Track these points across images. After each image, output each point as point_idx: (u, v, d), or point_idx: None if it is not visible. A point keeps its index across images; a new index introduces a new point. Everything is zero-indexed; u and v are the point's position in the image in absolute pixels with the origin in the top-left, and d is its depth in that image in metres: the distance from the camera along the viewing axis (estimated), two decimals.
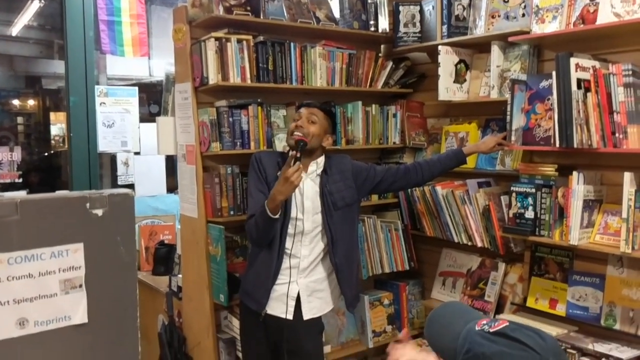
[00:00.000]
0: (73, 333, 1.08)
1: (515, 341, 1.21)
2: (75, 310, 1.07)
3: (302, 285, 2.38)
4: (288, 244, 2.36)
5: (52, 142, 5.63)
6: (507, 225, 2.59)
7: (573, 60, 2.22)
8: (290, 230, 2.36)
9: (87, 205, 1.07)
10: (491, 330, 1.26)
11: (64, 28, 4.31)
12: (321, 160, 2.45)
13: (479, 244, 2.81)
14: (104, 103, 4.62)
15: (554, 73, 2.29)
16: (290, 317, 2.35)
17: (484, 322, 1.30)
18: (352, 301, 2.51)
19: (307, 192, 2.38)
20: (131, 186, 4.77)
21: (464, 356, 1.25)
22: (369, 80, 3.19)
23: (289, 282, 2.36)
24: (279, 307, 2.36)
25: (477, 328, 1.28)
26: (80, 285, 1.07)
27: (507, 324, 1.27)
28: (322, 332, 2.51)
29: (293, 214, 2.35)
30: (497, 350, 1.21)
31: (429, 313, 3.25)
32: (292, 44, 2.86)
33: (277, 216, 2.24)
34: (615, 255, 2.31)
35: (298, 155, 2.22)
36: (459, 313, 1.43)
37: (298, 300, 2.36)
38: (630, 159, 2.27)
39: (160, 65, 5.10)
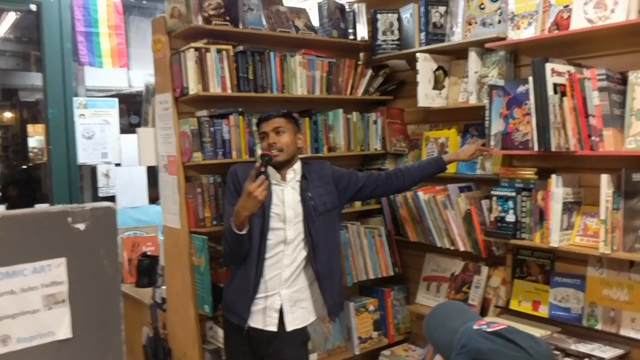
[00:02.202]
0: (57, 349, 1.07)
1: (511, 342, 1.25)
2: (58, 325, 1.06)
3: (285, 296, 2.34)
4: (269, 255, 2.32)
5: (31, 154, 5.56)
6: (489, 229, 2.62)
7: (549, 66, 2.26)
8: (273, 240, 2.32)
9: (69, 219, 1.07)
10: (489, 330, 1.30)
11: (41, 40, 4.28)
12: (297, 166, 2.43)
13: (462, 248, 2.84)
14: (83, 115, 4.58)
15: (530, 78, 2.33)
16: (274, 329, 2.32)
17: (483, 322, 1.36)
18: (333, 309, 2.47)
19: (287, 200, 2.36)
20: (112, 198, 4.73)
21: (459, 350, 1.30)
22: (349, 88, 3.21)
23: (272, 295, 2.32)
24: (261, 319, 2.33)
25: (475, 327, 1.34)
26: (64, 300, 1.07)
27: (506, 326, 1.32)
28: (307, 342, 2.49)
29: (275, 224, 2.33)
30: (493, 348, 1.25)
31: (414, 317, 3.29)
32: (271, 53, 2.87)
33: (244, 232, 2.20)
34: (594, 256, 2.34)
35: (263, 169, 2.17)
36: (460, 311, 1.50)
37: (281, 311, 2.34)
38: (606, 161, 2.31)
39: (139, 76, 5.07)
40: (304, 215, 2.35)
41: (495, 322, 1.33)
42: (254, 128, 2.85)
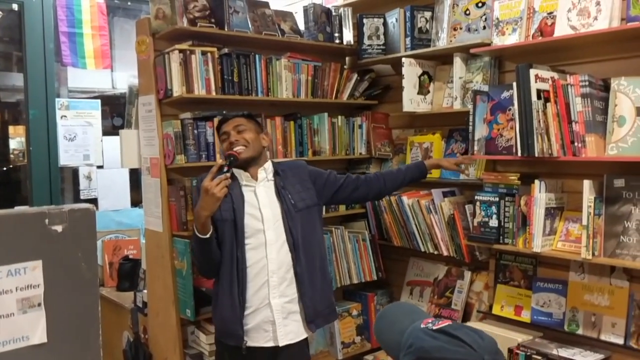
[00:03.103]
0: (32, 353, 1.04)
1: (454, 338, 1.27)
2: (33, 329, 1.04)
3: (277, 306, 2.18)
4: (251, 262, 2.18)
5: (11, 156, 5.48)
6: (472, 234, 2.62)
7: (533, 72, 2.28)
8: (253, 244, 2.19)
9: (46, 221, 1.04)
10: (434, 328, 1.32)
11: (23, 40, 4.22)
12: (268, 165, 2.32)
13: (445, 253, 2.84)
14: (65, 116, 4.52)
15: (514, 84, 2.34)
16: (272, 343, 2.18)
17: (429, 320, 1.37)
18: (313, 318, 2.26)
19: (262, 200, 2.24)
20: (94, 200, 4.67)
21: (406, 350, 1.32)
22: (334, 92, 3.21)
23: (263, 306, 2.18)
24: (259, 336, 2.19)
25: (422, 326, 1.35)
26: (39, 304, 1.04)
27: (450, 323, 1.34)
28: None
29: (253, 225, 2.20)
30: (437, 345, 1.27)
31: None
32: (257, 56, 2.86)
33: (207, 236, 2.09)
34: (576, 262, 2.36)
35: (226, 169, 2.09)
36: (407, 312, 1.50)
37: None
38: (588, 167, 2.33)
39: (123, 77, 5.02)
40: (283, 213, 2.23)
41: (440, 320, 1.36)
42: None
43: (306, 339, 2.32)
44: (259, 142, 2.30)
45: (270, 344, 2.19)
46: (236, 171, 2.27)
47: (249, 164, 2.26)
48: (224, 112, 2.65)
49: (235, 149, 2.21)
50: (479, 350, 1.24)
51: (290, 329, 2.22)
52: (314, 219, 2.34)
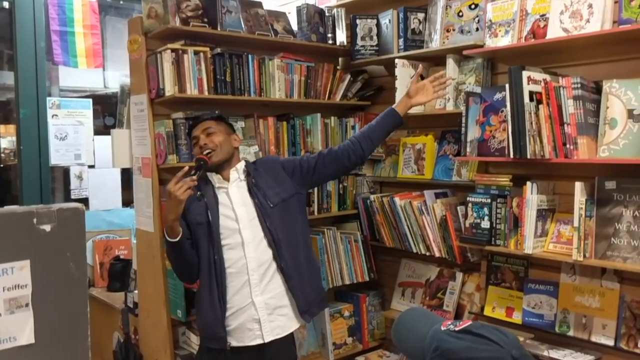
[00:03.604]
0: (19, 354, 1.03)
1: (480, 337, 1.28)
2: (21, 330, 1.03)
3: (260, 303, 2.18)
4: (230, 262, 2.18)
5: (2, 155, 5.44)
6: (464, 235, 2.63)
7: (525, 74, 2.28)
8: (230, 245, 2.19)
9: (34, 220, 1.03)
10: (457, 329, 1.33)
11: (14, 38, 4.19)
12: (240, 165, 2.31)
13: (437, 254, 2.84)
14: (56, 115, 4.49)
15: (507, 86, 2.34)
16: (260, 341, 2.18)
17: (449, 322, 1.39)
18: (306, 308, 2.27)
19: (235, 200, 2.23)
20: (85, 200, 4.64)
21: (432, 354, 1.32)
22: (327, 93, 3.20)
23: (246, 305, 2.18)
24: (245, 336, 2.18)
25: (442, 328, 1.36)
26: (27, 304, 1.03)
27: (471, 322, 1.35)
28: None
29: (229, 225, 2.20)
30: (464, 346, 1.28)
31: (389, 323, 3.28)
32: (250, 56, 2.85)
33: (177, 239, 2.10)
34: (568, 263, 2.37)
35: (193, 171, 2.10)
36: (422, 317, 1.51)
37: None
38: (580, 169, 2.34)
39: (115, 76, 5.00)
40: (258, 211, 2.22)
41: (460, 321, 1.36)
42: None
43: (292, 334, 2.31)
44: (229, 144, 2.29)
45: (257, 341, 2.19)
46: (209, 174, 2.28)
47: (221, 166, 2.26)
48: (194, 114, 2.66)
49: (204, 153, 2.21)
50: (505, 346, 1.25)
51: (276, 324, 2.22)
52: (293, 211, 2.31)
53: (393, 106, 2.48)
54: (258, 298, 2.19)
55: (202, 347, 2.31)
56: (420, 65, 2.65)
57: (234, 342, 2.19)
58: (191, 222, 2.21)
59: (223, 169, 2.27)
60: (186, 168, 2.11)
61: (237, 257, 2.19)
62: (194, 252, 2.20)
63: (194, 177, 2.09)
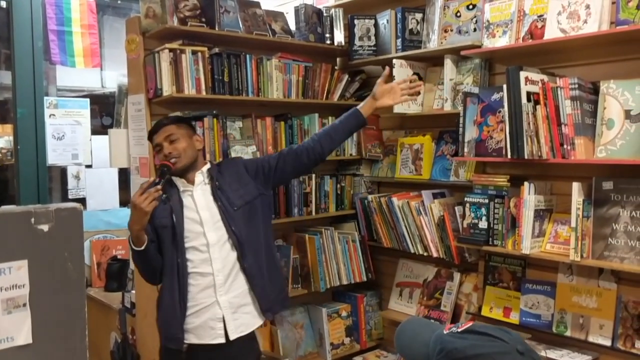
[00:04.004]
0: (17, 354, 1.03)
1: (483, 335, 1.29)
2: (18, 330, 1.02)
3: (225, 303, 2.20)
4: (194, 264, 2.19)
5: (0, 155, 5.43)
6: (462, 236, 2.63)
7: (523, 74, 2.28)
8: (196, 246, 2.20)
9: (32, 220, 1.03)
10: (459, 330, 1.34)
11: (11, 38, 4.18)
12: (205, 168, 2.32)
13: (435, 254, 2.84)
14: (53, 115, 4.48)
15: (504, 86, 2.35)
16: (222, 340, 2.19)
17: (451, 326, 1.39)
18: (269, 306, 2.31)
19: (200, 203, 2.24)
20: (82, 200, 4.64)
21: (437, 356, 1.32)
22: (325, 93, 3.20)
23: (209, 305, 2.19)
24: (206, 334, 2.19)
25: (445, 332, 1.36)
26: (24, 304, 1.03)
27: (474, 323, 1.36)
28: (259, 358, 2.38)
29: (193, 229, 2.21)
30: (469, 344, 1.28)
31: (387, 323, 3.29)
32: (247, 56, 2.85)
33: (142, 248, 2.12)
34: (565, 264, 2.37)
35: (157, 180, 2.10)
36: (424, 324, 1.53)
37: (225, 320, 2.21)
38: (577, 169, 2.34)
39: (113, 76, 5.00)
40: (222, 214, 2.23)
41: (462, 323, 1.38)
42: (229, 131, 2.82)
43: (254, 332, 2.33)
44: (192, 148, 2.28)
45: (218, 340, 2.20)
46: (174, 178, 2.29)
47: (186, 170, 2.26)
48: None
49: (169, 161, 2.21)
50: (510, 342, 1.26)
51: (240, 322, 2.24)
52: (257, 212, 2.33)
53: (358, 106, 2.48)
54: (222, 297, 2.21)
55: (162, 346, 2.32)
56: (387, 67, 2.62)
57: (194, 339, 2.21)
58: (156, 225, 2.22)
59: (188, 173, 2.27)
60: (151, 179, 2.13)
61: (202, 258, 2.21)
62: (158, 256, 2.22)
63: (159, 187, 2.09)
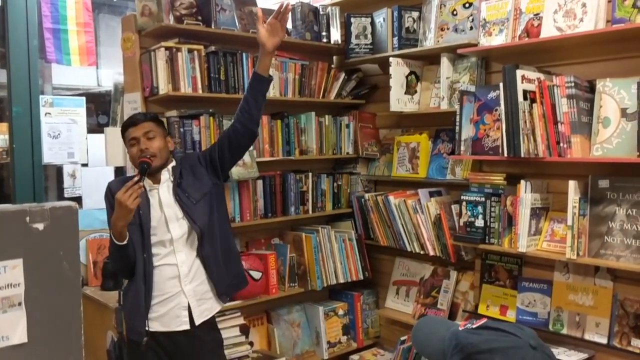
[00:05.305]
0: (12, 354, 1.02)
1: (497, 330, 1.35)
2: (13, 329, 1.02)
3: (190, 291, 2.29)
4: (159, 257, 2.27)
5: None
6: (458, 234, 2.63)
7: (519, 72, 2.29)
8: (161, 241, 2.27)
9: (27, 219, 1.02)
10: (474, 327, 1.40)
11: (6, 36, 4.16)
12: (171, 166, 2.36)
13: (431, 253, 2.84)
14: (49, 113, 4.47)
15: (501, 84, 2.35)
16: (186, 327, 2.27)
17: (466, 322, 1.46)
18: (224, 290, 2.40)
19: (165, 200, 2.30)
20: (78, 199, 4.62)
21: (453, 351, 1.38)
22: (321, 91, 3.20)
23: (174, 294, 2.27)
24: (170, 322, 2.27)
25: (460, 328, 1.43)
26: (19, 303, 1.02)
27: (487, 320, 1.42)
28: (222, 345, 2.46)
29: (158, 226, 2.27)
30: (483, 339, 1.34)
31: (383, 322, 3.29)
32: (244, 54, 2.84)
33: (124, 242, 2.18)
34: (561, 262, 2.38)
35: (137, 177, 2.13)
36: (440, 322, 1.62)
37: (190, 308, 2.29)
38: (574, 167, 2.35)
39: (108, 74, 4.98)
40: (184, 210, 2.29)
41: (476, 320, 1.43)
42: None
43: (215, 320, 2.42)
44: (166, 149, 2.33)
45: (183, 327, 2.28)
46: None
47: (156, 170, 2.30)
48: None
49: (148, 157, 2.24)
50: (523, 337, 1.31)
51: (204, 307, 2.33)
52: (213, 201, 2.39)
53: (255, 68, 2.40)
54: (187, 287, 2.29)
55: (128, 339, 2.36)
56: (257, 8, 2.49)
57: (160, 327, 2.28)
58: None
59: (156, 172, 2.31)
60: (136, 178, 2.14)
61: (167, 252, 2.29)
62: (134, 251, 2.28)
63: (141, 184, 2.13)
